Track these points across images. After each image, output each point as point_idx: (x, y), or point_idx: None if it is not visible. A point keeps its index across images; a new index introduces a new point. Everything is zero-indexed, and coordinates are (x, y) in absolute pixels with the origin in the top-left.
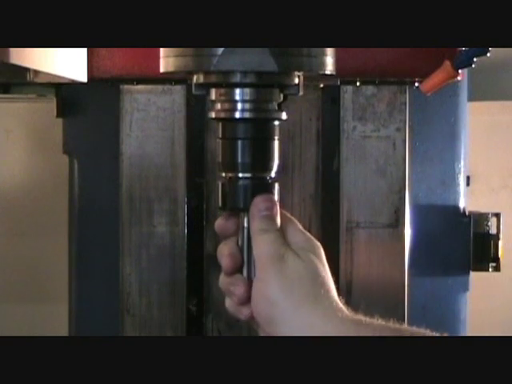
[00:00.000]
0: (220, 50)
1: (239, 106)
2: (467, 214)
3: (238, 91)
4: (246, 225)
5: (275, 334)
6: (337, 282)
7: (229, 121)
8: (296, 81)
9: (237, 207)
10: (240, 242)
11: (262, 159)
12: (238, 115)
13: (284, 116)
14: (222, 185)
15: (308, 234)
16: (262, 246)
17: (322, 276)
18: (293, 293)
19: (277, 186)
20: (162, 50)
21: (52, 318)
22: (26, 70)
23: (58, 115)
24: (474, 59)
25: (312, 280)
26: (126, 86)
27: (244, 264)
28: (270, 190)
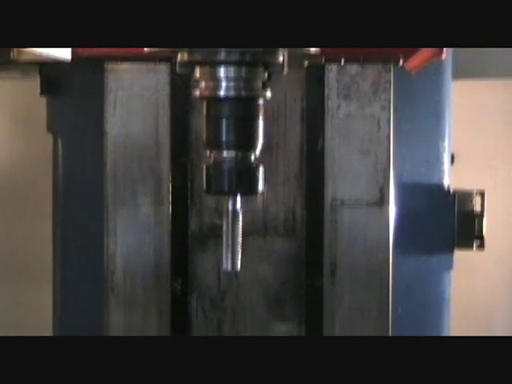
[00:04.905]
0: None
1: (223, 84)
2: (452, 192)
3: (222, 69)
4: (230, 208)
5: None
6: (321, 261)
7: (213, 99)
8: (280, 59)
9: (222, 191)
10: (225, 226)
11: (246, 137)
12: (222, 93)
13: (268, 94)
14: (207, 168)
15: None
16: None
17: None
18: None
19: (261, 168)
20: None
21: (37, 298)
22: (9, 48)
23: (42, 93)
24: None
25: None
26: (110, 65)
27: (229, 247)
28: (255, 173)
